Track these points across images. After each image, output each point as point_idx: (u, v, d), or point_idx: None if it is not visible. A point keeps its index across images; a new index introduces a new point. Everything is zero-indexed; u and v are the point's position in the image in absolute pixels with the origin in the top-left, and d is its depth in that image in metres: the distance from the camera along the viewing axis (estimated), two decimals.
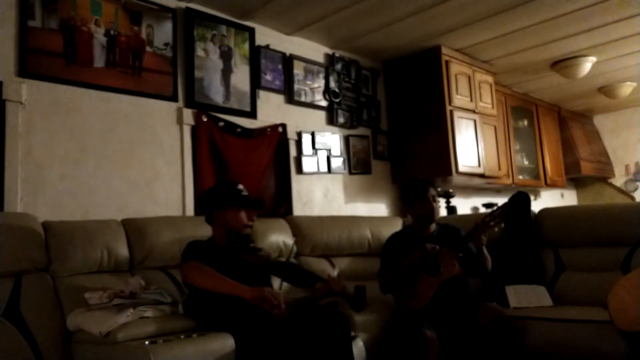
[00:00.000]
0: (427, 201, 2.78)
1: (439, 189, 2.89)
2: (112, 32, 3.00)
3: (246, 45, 3.70)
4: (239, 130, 3.53)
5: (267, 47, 3.81)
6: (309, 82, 4.09)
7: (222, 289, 2.12)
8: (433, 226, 2.85)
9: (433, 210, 2.79)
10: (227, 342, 2.00)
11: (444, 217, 3.52)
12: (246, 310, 2.11)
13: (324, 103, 4.18)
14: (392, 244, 2.87)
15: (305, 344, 2.07)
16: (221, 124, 3.44)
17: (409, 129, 4.59)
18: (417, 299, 2.61)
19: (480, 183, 5.00)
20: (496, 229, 2.62)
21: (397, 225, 3.71)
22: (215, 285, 2.13)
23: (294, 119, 3.93)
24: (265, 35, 3.83)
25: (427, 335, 2.34)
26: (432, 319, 2.50)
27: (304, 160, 3.92)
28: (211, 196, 2.45)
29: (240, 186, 2.46)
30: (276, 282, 2.45)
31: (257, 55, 3.74)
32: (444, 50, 4.43)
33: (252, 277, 2.26)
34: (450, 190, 4.69)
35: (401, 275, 2.67)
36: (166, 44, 3.24)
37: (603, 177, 7.12)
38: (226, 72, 3.55)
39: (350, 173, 4.29)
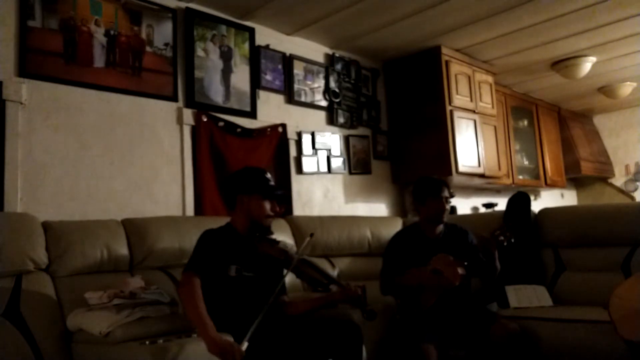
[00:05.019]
0: (440, 200, 2.74)
1: (451, 191, 2.86)
2: (112, 32, 3.00)
3: (246, 45, 3.70)
4: (239, 130, 3.53)
5: (267, 47, 3.81)
6: (309, 82, 4.09)
7: (192, 319, 1.99)
8: (440, 227, 2.81)
9: (444, 210, 2.75)
10: None
11: (450, 217, 3.50)
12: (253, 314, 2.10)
13: (324, 103, 4.18)
14: (396, 245, 2.84)
15: (316, 351, 2.06)
16: (221, 124, 3.44)
17: (409, 129, 4.59)
18: (418, 305, 2.61)
19: (480, 183, 5.00)
20: (505, 244, 2.60)
21: (397, 225, 3.71)
22: (188, 311, 2.02)
23: (294, 119, 3.93)
24: (265, 35, 3.83)
25: (426, 350, 2.32)
26: (432, 329, 2.48)
27: (304, 160, 3.92)
28: (238, 180, 2.39)
29: (268, 175, 2.41)
30: (289, 275, 2.43)
31: (257, 55, 3.74)
32: (444, 50, 4.43)
33: (266, 269, 2.26)
34: (450, 190, 4.68)
35: (406, 287, 2.65)
36: (166, 44, 3.24)
37: (603, 177, 7.12)
38: (226, 72, 3.55)
39: (350, 173, 4.29)
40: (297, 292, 2.73)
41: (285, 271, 2.34)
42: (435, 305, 2.55)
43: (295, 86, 3.97)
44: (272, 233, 2.40)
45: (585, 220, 3.14)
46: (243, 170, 2.49)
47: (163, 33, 3.23)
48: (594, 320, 2.47)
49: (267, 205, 2.33)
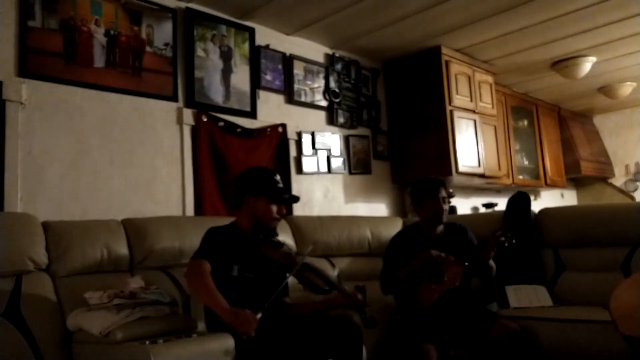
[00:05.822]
0: (438, 201, 2.74)
1: (450, 191, 2.86)
2: (112, 32, 3.00)
3: (246, 45, 3.70)
4: (239, 130, 3.53)
5: (267, 47, 3.81)
6: (309, 82, 4.09)
7: (205, 301, 2.11)
8: (440, 227, 2.81)
9: (442, 211, 2.75)
10: (227, 342, 2.00)
11: (450, 216, 3.50)
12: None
13: (324, 103, 4.18)
14: (396, 245, 2.85)
15: (316, 351, 2.06)
16: (221, 124, 3.44)
17: (409, 129, 4.59)
18: (418, 305, 2.61)
19: (480, 183, 5.00)
20: (506, 244, 2.60)
21: (397, 225, 3.71)
22: (200, 294, 2.12)
23: (294, 119, 3.93)
24: (265, 35, 3.83)
25: (426, 349, 2.32)
26: (432, 329, 2.48)
27: (304, 160, 3.92)
28: (246, 180, 2.38)
29: (277, 177, 2.40)
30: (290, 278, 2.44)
31: (257, 55, 3.74)
32: (444, 50, 4.43)
33: (268, 272, 2.26)
34: (450, 190, 4.68)
35: (404, 278, 2.65)
36: (166, 44, 3.24)
37: (603, 177, 7.12)
38: (226, 72, 3.55)
39: (350, 173, 4.29)
40: (298, 293, 2.72)
41: (287, 275, 2.32)
42: (435, 305, 2.56)
43: (295, 86, 3.97)
44: (276, 235, 2.40)
45: (585, 220, 3.14)
46: (252, 170, 2.47)
47: (163, 33, 3.23)
48: (594, 320, 2.47)
49: (274, 208, 2.32)
